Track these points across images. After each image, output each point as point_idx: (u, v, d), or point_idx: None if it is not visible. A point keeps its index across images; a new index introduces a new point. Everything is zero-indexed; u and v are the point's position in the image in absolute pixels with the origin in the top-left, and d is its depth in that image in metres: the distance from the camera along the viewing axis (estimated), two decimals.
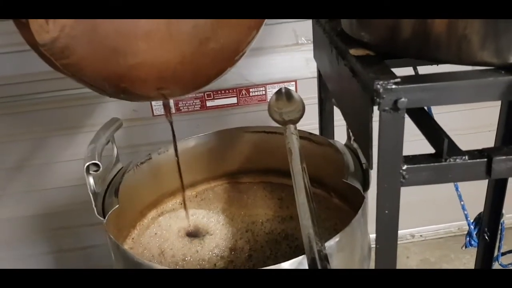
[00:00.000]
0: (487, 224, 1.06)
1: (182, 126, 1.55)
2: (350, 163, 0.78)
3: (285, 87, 0.95)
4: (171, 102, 1.58)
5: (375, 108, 0.53)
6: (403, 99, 0.51)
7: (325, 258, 0.58)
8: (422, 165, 0.56)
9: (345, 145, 0.86)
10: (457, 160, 0.56)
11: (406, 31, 0.57)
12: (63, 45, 0.60)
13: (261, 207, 0.94)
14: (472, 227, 1.08)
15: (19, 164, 1.64)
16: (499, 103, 0.85)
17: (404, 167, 0.56)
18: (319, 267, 0.57)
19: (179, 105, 1.61)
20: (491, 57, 0.52)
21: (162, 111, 1.58)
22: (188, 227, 0.89)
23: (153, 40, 0.63)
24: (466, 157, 0.56)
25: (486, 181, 1.01)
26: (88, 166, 0.69)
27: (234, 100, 1.62)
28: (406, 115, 0.53)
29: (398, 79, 0.51)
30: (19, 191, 1.66)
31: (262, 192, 0.99)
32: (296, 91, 1.56)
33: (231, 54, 0.71)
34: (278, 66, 1.53)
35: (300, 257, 0.61)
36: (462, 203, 1.07)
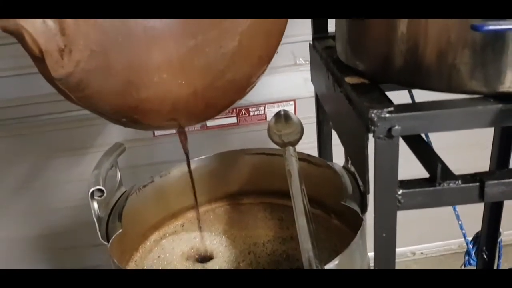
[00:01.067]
0: (485, 243, 1.09)
1: None
2: (348, 185, 0.80)
3: (283, 110, 0.98)
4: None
5: (370, 135, 0.55)
6: (396, 127, 0.54)
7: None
8: (417, 189, 0.58)
9: (343, 167, 0.88)
10: (451, 184, 0.58)
11: (398, 61, 0.59)
12: (78, 79, 0.62)
13: (262, 228, 0.96)
14: (470, 246, 1.10)
15: (21, 185, 1.66)
16: None
17: (400, 191, 0.58)
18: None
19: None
20: (480, 86, 0.55)
21: (163, 132, 1.61)
22: (191, 249, 0.90)
23: (166, 73, 0.65)
24: (459, 182, 0.58)
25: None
26: (92, 192, 0.71)
27: (234, 120, 1.65)
28: (401, 140, 0.56)
29: (392, 108, 0.54)
30: (21, 212, 1.68)
31: (262, 213, 1.01)
32: (294, 110, 1.59)
33: (243, 86, 0.74)
34: (277, 86, 1.56)
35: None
36: (460, 222, 1.09)
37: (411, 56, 0.57)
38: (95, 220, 0.74)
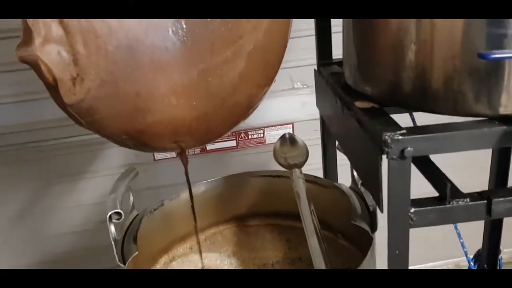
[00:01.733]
0: (486, 260, 1.12)
1: (183, 170, 1.60)
2: (357, 205, 0.84)
3: (288, 133, 1.01)
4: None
5: (384, 156, 0.59)
6: (409, 149, 0.57)
7: None
8: (428, 207, 0.62)
9: (350, 187, 0.91)
10: (460, 202, 0.62)
11: (406, 86, 0.63)
12: (88, 105, 0.65)
13: (270, 249, 0.99)
14: (472, 263, 1.13)
15: (21, 212, 1.67)
16: None
17: (412, 210, 0.61)
18: None
19: None
20: (485, 109, 0.59)
21: (163, 156, 1.63)
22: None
23: (170, 100, 0.69)
24: (468, 200, 0.62)
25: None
26: (110, 215, 0.74)
27: (233, 143, 1.69)
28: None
29: (404, 131, 0.58)
30: (22, 239, 1.68)
31: (270, 234, 1.04)
32: (292, 131, 1.63)
33: (243, 112, 0.78)
34: (275, 110, 1.60)
35: None
36: (461, 240, 1.12)
37: (419, 82, 0.62)
38: (112, 243, 0.76)
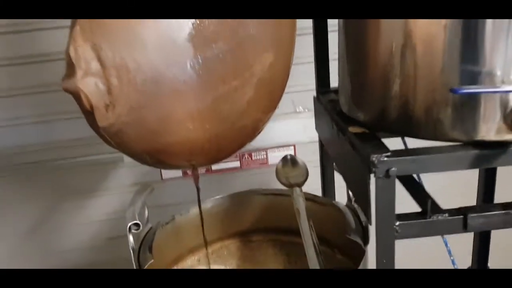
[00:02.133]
0: None
1: (188, 189, 1.70)
2: (351, 221, 0.92)
3: (290, 155, 1.11)
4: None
5: (372, 175, 0.68)
6: (393, 169, 0.66)
7: None
8: (411, 221, 0.70)
9: (346, 205, 1.00)
10: (439, 217, 0.70)
11: (393, 114, 0.73)
12: (118, 129, 0.75)
13: (272, 262, 1.07)
14: None
15: (34, 226, 1.76)
16: None
17: (397, 223, 0.70)
18: None
19: (186, 171, 1.76)
20: (460, 135, 0.68)
21: (170, 175, 1.73)
22: None
23: (186, 125, 0.79)
24: (447, 215, 0.71)
25: (472, 237, 1.16)
26: (130, 226, 0.83)
27: (237, 164, 1.78)
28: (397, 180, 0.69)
29: (389, 153, 0.67)
30: (33, 253, 1.77)
31: (272, 249, 1.12)
32: (294, 153, 1.71)
33: (251, 132, 0.88)
34: (278, 132, 1.69)
35: None
36: (452, 258, 1.20)
37: (403, 111, 0.71)
38: (131, 251, 0.85)
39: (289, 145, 1.74)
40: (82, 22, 0.70)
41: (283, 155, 1.08)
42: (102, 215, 1.81)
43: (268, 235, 1.15)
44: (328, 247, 1.06)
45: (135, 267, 0.84)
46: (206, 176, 1.70)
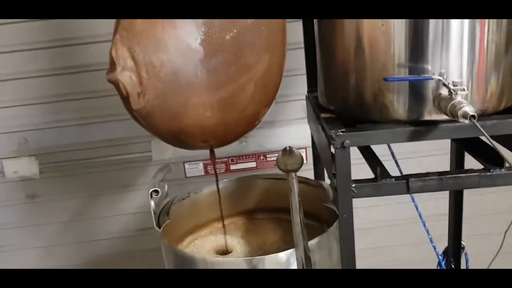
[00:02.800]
0: (452, 256, 1.39)
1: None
2: (330, 194, 1.14)
3: (289, 146, 1.32)
4: (202, 165, 1.98)
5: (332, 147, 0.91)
6: (347, 141, 0.89)
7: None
8: (364, 184, 0.92)
9: (330, 184, 1.22)
10: (387, 181, 0.92)
11: (350, 102, 0.96)
12: (147, 111, 1.01)
13: (271, 234, 1.29)
14: (441, 258, 1.40)
15: (73, 217, 2.03)
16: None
17: (353, 185, 0.92)
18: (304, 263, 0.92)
19: (208, 169, 2.00)
20: (400, 116, 0.90)
21: (193, 174, 1.97)
22: (216, 246, 1.24)
23: (200, 110, 1.03)
24: (393, 179, 0.92)
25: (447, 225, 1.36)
26: (151, 192, 1.07)
27: (253, 164, 2.01)
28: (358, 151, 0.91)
29: (344, 129, 0.89)
30: (72, 242, 2.03)
31: (272, 225, 1.34)
32: (305, 156, 1.93)
33: (253, 120, 1.12)
34: (290, 136, 1.92)
35: (291, 250, 0.96)
36: (433, 245, 1.39)
37: (358, 99, 0.93)
38: (152, 213, 1.09)
39: (301, 148, 1.94)
40: (121, 32, 0.96)
41: None
42: (131, 208, 2.07)
43: (270, 214, 1.38)
44: (317, 221, 1.28)
45: (154, 225, 1.09)
46: (224, 175, 1.93)
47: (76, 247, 2.07)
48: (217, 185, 1.25)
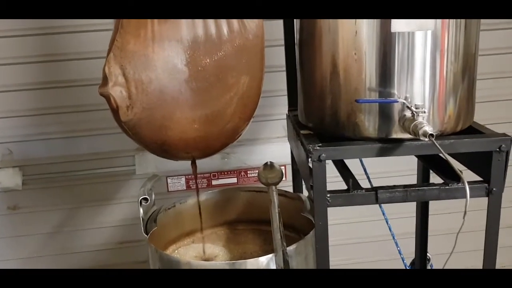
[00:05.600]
0: (419, 267, 1.53)
1: None
2: (307, 205, 1.27)
3: (270, 161, 1.46)
4: (184, 179, 2.09)
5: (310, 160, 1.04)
6: (323, 155, 1.02)
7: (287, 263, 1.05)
8: (338, 194, 1.05)
9: (307, 196, 1.35)
10: (358, 192, 1.05)
11: (327, 120, 1.09)
12: (134, 123, 1.12)
13: (251, 243, 1.41)
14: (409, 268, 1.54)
15: (54, 229, 2.10)
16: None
17: (328, 195, 1.05)
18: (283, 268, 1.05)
19: (189, 183, 2.11)
20: (371, 134, 1.04)
21: (175, 188, 2.08)
22: (199, 254, 1.35)
23: (183, 124, 1.15)
24: (363, 191, 1.05)
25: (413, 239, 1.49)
26: (141, 200, 1.18)
27: (234, 180, 2.13)
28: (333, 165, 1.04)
29: (320, 144, 1.03)
30: (53, 253, 2.10)
31: (252, 235, 1.46)
32: (285, 173, 2.05)
33: (232, 134, 1.24)
34: (271, 153, 2.05)
35: (271, 255, 1.08)
36: (402, 256, 1.53)
37: (333, 118, 1.07)
38: (141, 219, 1.20)
39: (280, 165, 2.06)
40: (115, 51, 1.08)
41: None
42: (114, 221, 2.15)
43: (250, 225, 1.50)
44: (294, 231, 1.41)
45: (143, 231, 1.19)
46: (206, 189, 2.02)
47: (57, 259, 2.14)
48: (198, 197, 1.36)
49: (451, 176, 1.05)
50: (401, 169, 1.86)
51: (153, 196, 1.32)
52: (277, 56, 1.49)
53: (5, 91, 1.90)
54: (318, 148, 1.02)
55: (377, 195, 1.05)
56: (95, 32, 1.80)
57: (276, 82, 1.62)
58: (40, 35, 1.85)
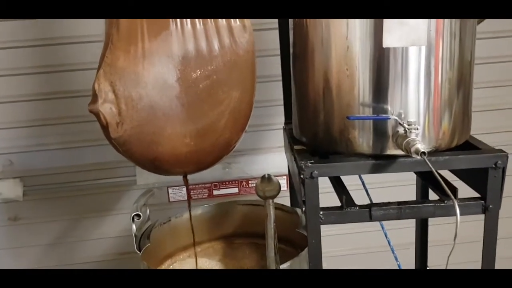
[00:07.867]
0: None
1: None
2: (303, 220, 1.26)
3: (267, 174, 1.44)
4: (185, 190, 2.09)
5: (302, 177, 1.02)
6: (315, 172, 1.01)
7: None
8: (331, 211, 1.04)
9: (303, 211, 1.33)
10: (352, 209, 1.04)
11: (320, 136, 1.08)
12: (124, 139, 1.12)
13: (247, 258, 1.40)
14: None
15: (54, 241, 2.11)
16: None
17: (321, 212, 1.04)
18: None
19: (191, 194, 2.10)
20: (364, 150, 1.02)
21: (177, 198, 2.08)
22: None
23: (173, 140, 1.15)
24: (357, 208, 1.04)
25: (413, 250, 1.47)
26: (133, 216, 1.18)
27: (236, 190, 2.12)
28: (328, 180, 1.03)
29: (313, 161, 1.01)
30: (52, 264, 2.11)
31: (249, 249, 1.45)
32: (287, 183, 2.04)
33: (224, 148, 1.23)
34: (272, 163, 2.04)
35: None
36: (398, 263, 1.51)
37: (326, 134, 1.05)
38: (134, 236, 1.20)
39: (281, 175, 2.04)
40: (105, 68, 1.08)
41: None
42: (114, 232, 2.15)
43: (247, 238, 1.49)
44: (291, 246, 1.39)
45: (136, 248, 1.19)
46: (207, 200, 2.03)
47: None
48: (189, 210, 1.36)
49: (447, 192, 1.03)
50: (400, 179, 1.83)
51: (148, 211, 1.32)
52: (277, 66, 1.49)
53: (6, 102, 1.90)
54: (310, 165, 1.01)
55: (371, 212, 1.03)
56: (96, 43, 1.80)
57: (278, 92, 1.61)
58: (41, 46, 1.86)
